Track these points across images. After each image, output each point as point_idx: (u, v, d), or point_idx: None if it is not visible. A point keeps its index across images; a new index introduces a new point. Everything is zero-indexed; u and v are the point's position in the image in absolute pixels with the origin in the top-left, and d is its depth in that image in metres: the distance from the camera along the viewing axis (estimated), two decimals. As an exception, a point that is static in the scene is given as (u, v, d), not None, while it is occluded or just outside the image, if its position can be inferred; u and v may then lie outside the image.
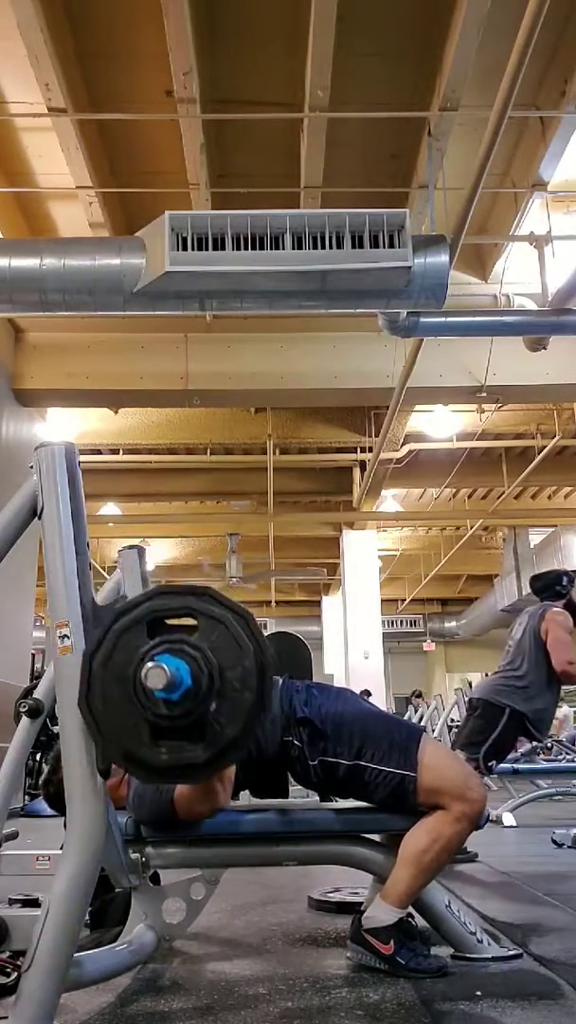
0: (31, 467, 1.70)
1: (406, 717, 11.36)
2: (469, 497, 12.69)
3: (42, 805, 5.30)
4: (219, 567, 13.33)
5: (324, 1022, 1.59)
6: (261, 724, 1.51)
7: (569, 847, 4.02)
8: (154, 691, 1.36)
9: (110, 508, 11.58)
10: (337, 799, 2.10)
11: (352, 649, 11.50)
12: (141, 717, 1.42)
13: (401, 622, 19.00)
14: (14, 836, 2.74)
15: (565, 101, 5.15)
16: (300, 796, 2.30)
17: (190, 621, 1.50)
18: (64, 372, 7.52)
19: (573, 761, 6.51)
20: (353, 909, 2.10)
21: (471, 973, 1.90)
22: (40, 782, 2.56)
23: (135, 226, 4.99)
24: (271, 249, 4.29)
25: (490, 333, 6.17)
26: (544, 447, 9.46)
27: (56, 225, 6.55)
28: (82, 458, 1.76)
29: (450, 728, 8.93)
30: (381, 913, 1.92)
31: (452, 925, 2.03)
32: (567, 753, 6.76)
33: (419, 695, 13.88)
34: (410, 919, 1.97)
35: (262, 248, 4.29)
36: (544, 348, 6.23)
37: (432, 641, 19.35)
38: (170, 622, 1.52)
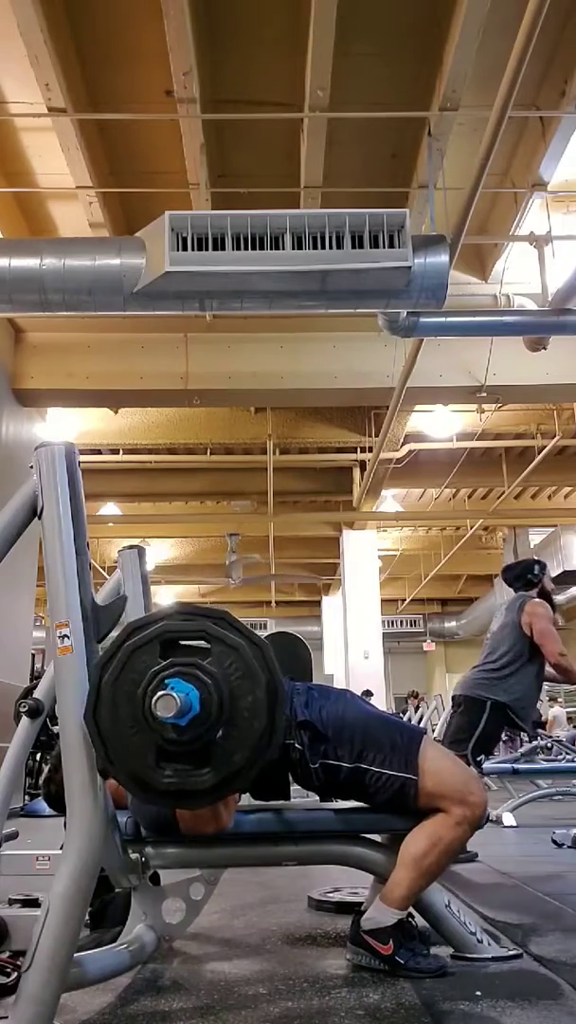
0: (31, 467, 1.70)
1: (406, 718, 11.36)
2: (469, 497, 12.69)
3: (42, 805, 5.30)
4: (218, 567, 13.32)
5: (324, 1022, 1.59)
6: (270, 755, 1.50)
7: (569, 847, 4.02)
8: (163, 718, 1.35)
9: (110, 508, 11.58)
10: (338, 800, 2.10)
11: (352, 649, 11.50)
12: (148, 739, 1.40)
13: (401, 622, 19.01)
14: (14, 836, 2.73)
15: (565, 101, 5.15)
16: (299, 796, 2.29)
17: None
18: (64, 372, 7.53)
19: (573, 761, 6.50)
20: (353, 909, 2.10)
21: (471, 973, 1.90)
22: (40, 782, 2.56)
23: (135, 226, 5.00)
24: (271, 249, 4.29)
25: (490, 333, 6.18)
26: (544, 447, 9.46)
27: (56, 225, 6.55)
28: (82, 458, 1.75)
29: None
30: (380, 915, 1.92)
31: (452, 925, 2.02)
32: (567, 753, 6.75)
33: (414, 695, 13.80)
34: (410, 919, 1.96)
35: (262, 248, 4.30)
36: (544, 348, 6.22)
37: (432, 641, 19.35)
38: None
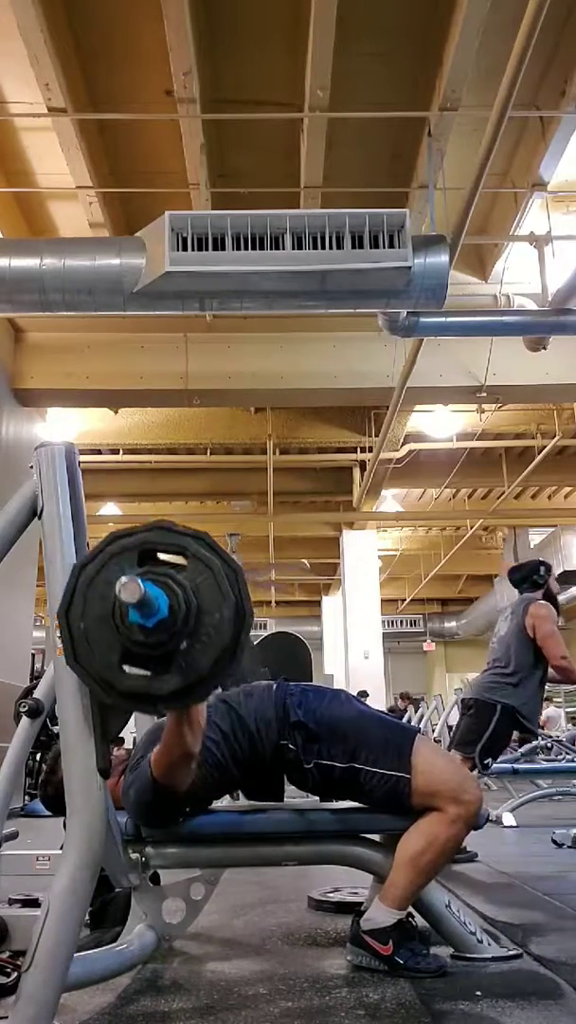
0: (31, 467, 1.70)
1: (405, 719, 11.33)
2: (469, 497, 12.69)
3: (42, 805, 5.29)
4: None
5: (324, 1022, 1.59)
6: (231, 673, 1.51)
7: (569, 847, 4.02)
8: (128, 606, 1.35)
9: (110, 508, 11.58)
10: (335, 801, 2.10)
11: (352, 649, 11.51)
12: (115, 639, 1.42)
13: (401, 622, 19.01)
14: (14, 836, 2.73)
15: (565, 101, 5.16)
16: (297, 797, 2.29)
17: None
18: (64, 372, 7.53)
19: (573, 761, 6.50)
20: (352, 909, 2.10)
21: (471, 973, 1.90)
22: (38, 783, 2.56)
23: (135, 226, 5.00)
24: (271, 249, 4.30)
25: (490, 333, 6.18)
26: (544, 447, 9.46)
27: (56, 225, 6.55)
28: (82, 458, 1.75)
29: (450, 729, 8.92)
30: (379, 915, 1.92)
31: (452, 925, 2.02)
32: (567, 753, 6.75)
33: (405, 696, 13.69)
34: (410, 919, 1.96)
35: (262, 248, 4.30)
36: (544, 348, 6.23)
37: (432, 641, 19.35)
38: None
